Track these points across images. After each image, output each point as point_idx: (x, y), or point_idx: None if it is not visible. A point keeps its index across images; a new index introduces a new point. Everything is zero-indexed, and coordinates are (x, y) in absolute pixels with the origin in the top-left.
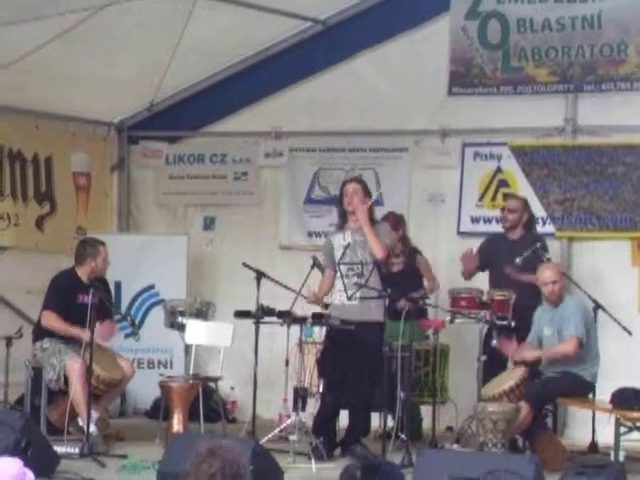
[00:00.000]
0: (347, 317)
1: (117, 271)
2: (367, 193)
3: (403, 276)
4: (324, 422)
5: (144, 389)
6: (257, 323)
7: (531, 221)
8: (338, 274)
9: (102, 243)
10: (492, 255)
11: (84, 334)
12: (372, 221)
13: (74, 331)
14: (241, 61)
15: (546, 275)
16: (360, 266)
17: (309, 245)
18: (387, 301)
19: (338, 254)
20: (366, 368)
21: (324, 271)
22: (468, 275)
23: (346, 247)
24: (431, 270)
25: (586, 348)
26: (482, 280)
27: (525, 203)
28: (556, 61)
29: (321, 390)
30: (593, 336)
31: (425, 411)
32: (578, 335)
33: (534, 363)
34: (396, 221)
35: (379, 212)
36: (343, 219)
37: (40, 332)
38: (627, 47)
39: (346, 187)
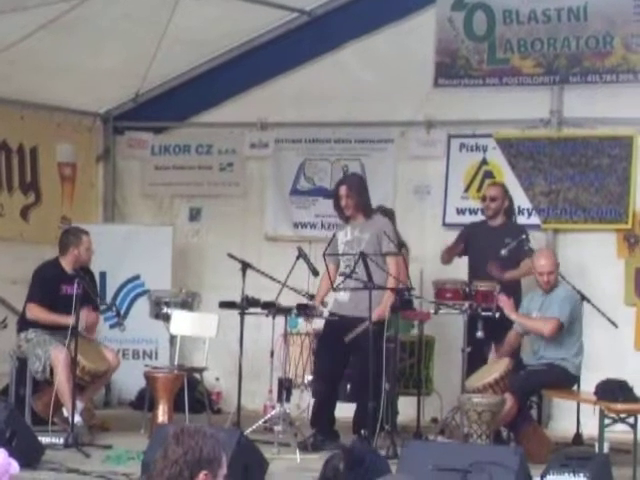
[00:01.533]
0: (343, 312)
1: (102, 261)
2: (360, 191)
3: None
4: (316, 412)
5: (129, 380)
6: (242, 314)
7: (510, 208)
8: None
9: (85, 232)
10: (473, 242)
11: (70, 319)
12: (368, 214)
13: (60, 319)
14: (227, 52)
15: (542, 264)
16: (353, 262)
17: (295, 236)
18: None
19: (341, 249)
20: (362, 362)
21: (309, 263)
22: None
23: (348, 243)
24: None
25: (570, 338)
26: (458, 269)
27: (505, 190)
28: (542, 53)
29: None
30: (578, 327)
31: (410, 402)
32: (560, 318)
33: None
34: (385, 215)
35: None
36: (345, 218)
37: (25, 323)
38: (613, 39)
39: (339, 191)
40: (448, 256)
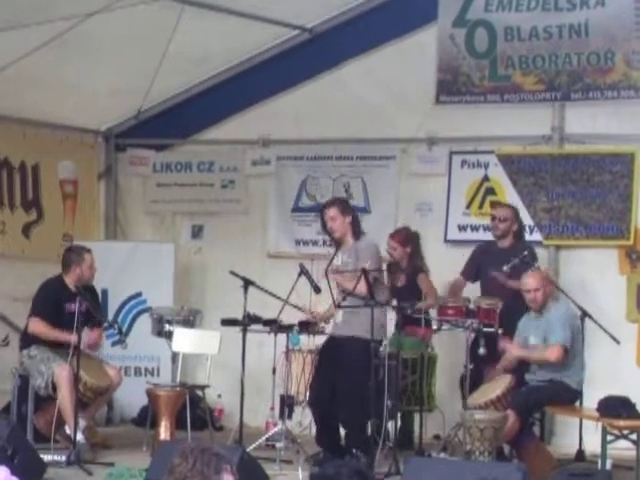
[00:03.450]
0: (338, 333)
1: (104, 279)
2: (346, 212)
3: (405, 291)
4: (319, 434)
5: (131, 397)
6: (244, 331)
7: (521, 230)
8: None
9: (87, 250)
10: (482, 263)
11: (71, 338)
12: (357, 234)
13: (62, 336)
14: (228, 69)
15: (528, 282)
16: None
17: (297, 253)
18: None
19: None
20: (350, 383)
21: (311, 280)
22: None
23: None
24: (431, 288)
25: (571, 355)
26: (469, 288)
27: (515, 212)
28: (543, 69)
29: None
30: (578, 343)
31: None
32: (563, 342)
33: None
34: (406, 237)
35: (367, 221)
36: (336, 242)
37: (27, 339)
38: (614, 56)
39: (325, 213)
40: (455, 297)
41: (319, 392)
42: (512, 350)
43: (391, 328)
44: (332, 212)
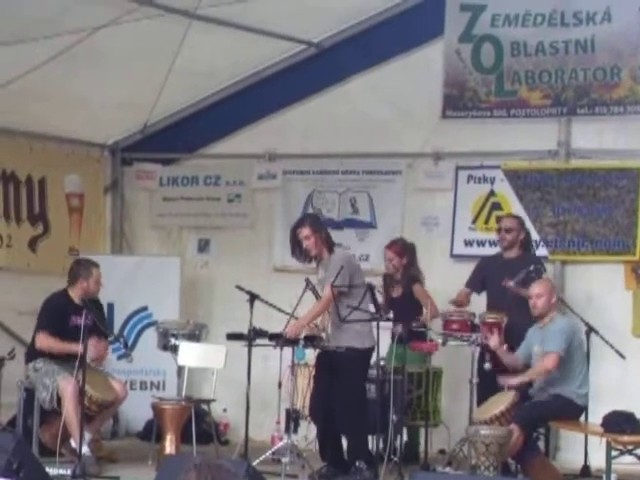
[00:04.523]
0: (327, 344)
1: (110, 292)
2: (318, 228)
3: (401, 302)
4: (321, 448)
5: (137, 411)
6: (249, 345)
7: (527, 240)
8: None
9: (95, 265)
10: (489, 275)
11: (80, 347)
12: (330, 249)
13: (70, 347)
14: (235, 83)
15: (533, 288)
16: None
17: (303, 267)
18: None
19: (319, 288)
20: (342, 392)
21: (317, 294)
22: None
23: (320, 282)
24: (428, 298)
25: (573, 370)
26: (475, 302)
27: (521, 222)
28: (549, 84)
29: None
30: (580, 358)
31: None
32: (556, 350)
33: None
34: (402, 248)
35: (373, 235)
36: (314, 258)
37: (33, 353)
38: (620, 71)
39: (298, 234)
40: (459, 304)
41: (316, 405)
42: (513, 383)
43: (387, 340)
44: (306, 231)
